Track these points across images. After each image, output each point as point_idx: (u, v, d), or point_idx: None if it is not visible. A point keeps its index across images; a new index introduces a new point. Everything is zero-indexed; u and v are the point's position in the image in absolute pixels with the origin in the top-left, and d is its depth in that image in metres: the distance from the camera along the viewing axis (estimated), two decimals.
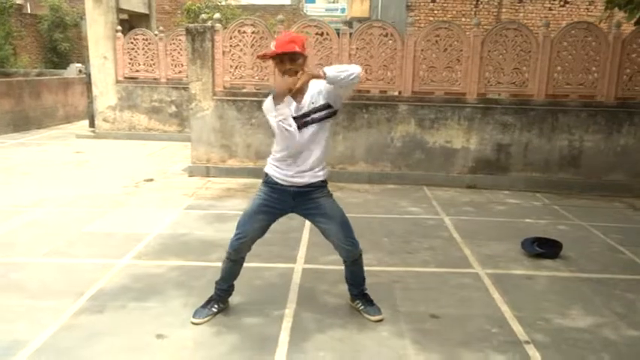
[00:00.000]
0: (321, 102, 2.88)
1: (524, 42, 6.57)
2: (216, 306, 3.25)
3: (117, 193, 6.16)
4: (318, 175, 3.01)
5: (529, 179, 6.75)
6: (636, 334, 3.19)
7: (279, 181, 2.99)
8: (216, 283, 3.27)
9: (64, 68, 15.62)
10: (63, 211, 5.40)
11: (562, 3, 14.52)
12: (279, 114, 2.76)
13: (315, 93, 2.88)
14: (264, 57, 2.93)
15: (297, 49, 2.79)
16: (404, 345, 2.99)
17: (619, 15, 8.14)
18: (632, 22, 6.87)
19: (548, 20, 7.08)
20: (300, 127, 2.85)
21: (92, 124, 10.50)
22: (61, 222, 5.04)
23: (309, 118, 2.87)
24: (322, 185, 3.07)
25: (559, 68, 6.63)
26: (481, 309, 3.47)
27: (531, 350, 2.97)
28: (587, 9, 14.39)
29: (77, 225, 4.92)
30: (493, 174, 6.81)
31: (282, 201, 3.04)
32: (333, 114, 2.96)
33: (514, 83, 6.69)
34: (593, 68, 6.58)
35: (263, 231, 3.14)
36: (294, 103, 2.84)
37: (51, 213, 5.32)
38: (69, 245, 4.42)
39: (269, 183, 3.04)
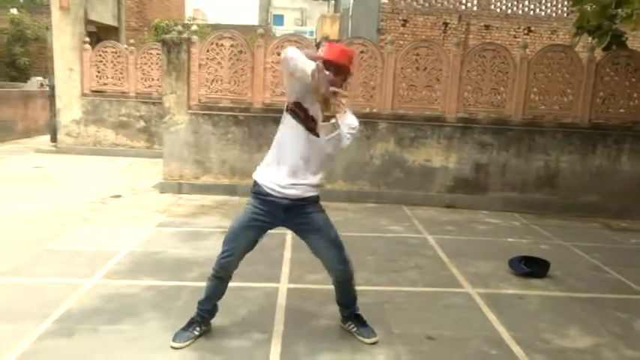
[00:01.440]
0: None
1: (502, 63, 6.65)
2: (198, 328, 2.99)
3: (82, 209, 5.79)
4: (312, 190, 2.84)
5: (507, 199, 6.74)
6: (636, 355, 3.10)
7: (271, 192, 2.79)
8: (199, 303, 3.01)
9: (23, 82, 14.99)
10: (23, 227, 5.01)
11: (526, 31, 15.06)
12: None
13: None
14: (330, 62, 2.68)
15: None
16: None
17: (582, 42, 8.40)
18: (601, 47, 7.12)
19: (518, 45, 7.15)
20: (312, 132, 2.75)
21: (54, 139, 10.01)
22: (22, 239, 4.66)
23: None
24: (315, 200, 2.90)
25: (535, 90, 6.72)
26: (477, 330, 3.32)
27: None
28: (550, 37, 14.94)
29: (40, 242, 4.55)
30: (471, 193, 6.77)
31: (273, 214, 2.84)
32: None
33: (492, 103, 6.72)
34: (569, 90, 6.69)
35: (252, 246, 2.94)
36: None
37: (10, 229, 4.92)
38: (31, 263, 4.06)
39: (259, 194, 2.83)
